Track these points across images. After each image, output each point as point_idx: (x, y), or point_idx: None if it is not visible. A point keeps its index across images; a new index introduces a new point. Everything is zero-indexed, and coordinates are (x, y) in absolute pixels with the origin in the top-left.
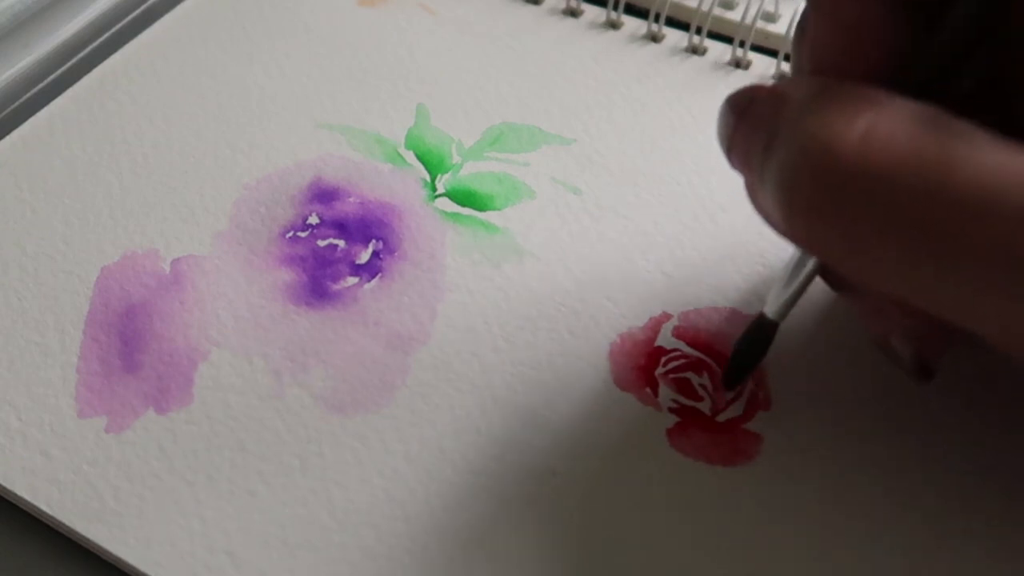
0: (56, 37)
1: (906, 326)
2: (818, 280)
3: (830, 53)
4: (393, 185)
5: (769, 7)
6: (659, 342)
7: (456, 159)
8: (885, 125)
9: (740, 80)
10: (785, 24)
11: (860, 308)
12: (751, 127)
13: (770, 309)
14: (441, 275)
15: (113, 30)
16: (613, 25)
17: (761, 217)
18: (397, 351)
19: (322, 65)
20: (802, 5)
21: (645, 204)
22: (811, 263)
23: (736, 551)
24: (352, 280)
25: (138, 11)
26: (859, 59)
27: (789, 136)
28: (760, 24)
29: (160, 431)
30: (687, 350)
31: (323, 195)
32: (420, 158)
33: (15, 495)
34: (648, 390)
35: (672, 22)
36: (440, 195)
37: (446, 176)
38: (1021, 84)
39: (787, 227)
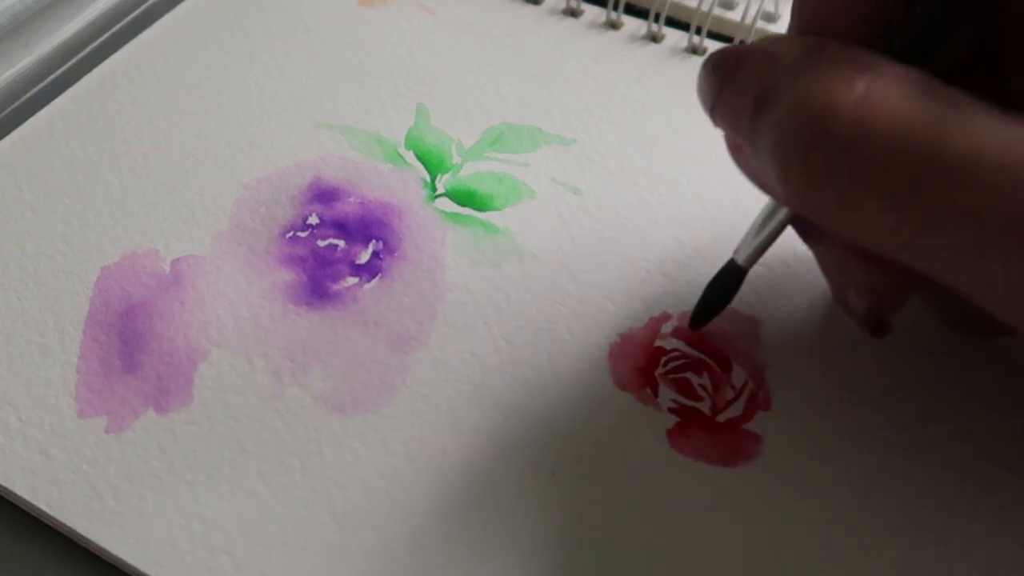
0: (56, 37)
1: (864, 282)
2: (812, 279)
3: (818, 11)
4: (393, 185)
5: (769, 7)
6: (659, 342)
7: (456, 159)
8: (882, 88)
9: None
10: (785, 24)
11: (824, 260)
12: (741, 86)
13: (740, 256)
14: (441, 275)
15: (113, 30)
16: (613, 25)
17: (746, 175)
18: (397, 351)
19: (322, 65)
20: None
21: (645, 204)
22: (782, 213)
23: (736, 551)
24: (352, 280)
25: (138, 11)
26: (846, 18)
27: (786, 96)
28: (760, 24)
29: (160, 431)
30: (687, 350)
31: (323, 195)
32: (420, 158)
33: (15, 495)
34: (648, 390)
35: (672, 22)
36: (440, 195)
37: (446, 176)
38: (1012, 56)
39: (781, 186)
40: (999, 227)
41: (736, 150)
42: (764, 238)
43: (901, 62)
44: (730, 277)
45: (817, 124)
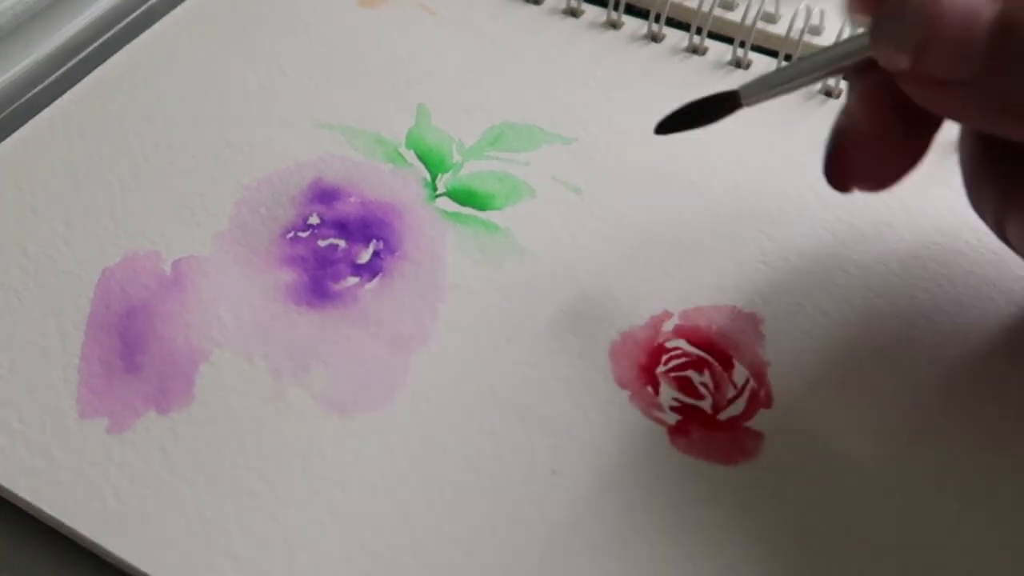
0: (57, 38)
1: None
2: (814, 277)
3: None
4: (394, 185)
5: (769, 8)
6: (660, 340)
7: (456, 158)
8: None
9: (741, 80)
10: (785, 25)
11: (856, 94)
12: (967, 28)
13: (747, 90)
14: (442, 275)
15: (114, 31)
16: (613, 25)
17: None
18: (398, 351)
19: (322, 65)
20: None
21: (645, 203)
22: (812, 70)
23: (737, 549)
24: (353, 280)
25: (138, 11)
26: None
27: None
28: (760, 25)
29: (161, 432)
30: (688, 348)
31: (324, 195)
32: (421, 158)
33: (16, 496)
34: (649, 389)
35: (672, 22)
36: (441, 195)
37: (447, 176)
38: None
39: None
40: None
41: (942, 87)
42: (779, 85)
43: None
44: (724, 101)
45: None
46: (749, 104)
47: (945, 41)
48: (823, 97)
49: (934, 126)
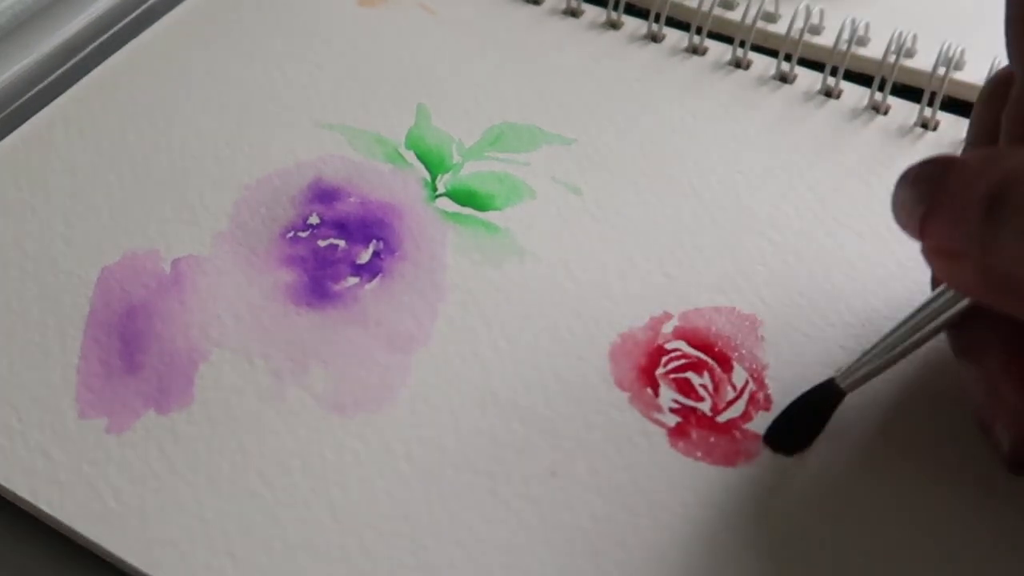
0: (56, 37)
1: (1018, 410)
2: (814, 279)
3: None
4: (393, 185)
5: (769, 7)
6: (659, 342)
7: (456, 159)
8: None
9: (741, 80)
10: (785, 24)
11: (975, 381)
12: (962, 189)
13: (843, 377)
14: (442, 275)
15: (113, 30)
16: (613, 25)
17: (953, 284)
18: (398, 351)
19: (322, 65)
20: (997, 63)
21: (645, 204)
22: (910, 340)
23: (736, 551)
24: (353, 280)
25: (138, 11)
26: None
27: None
28: (760, 24)
29: (161, 432)
30: (688, 350)
31: (323, 195)
32: (420, 158)
33: (16, 496)
34: (649, 390)
35: (672, 22)
36: (440, 195)
37: (446, 176)
38: None
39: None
40: None
41: (950, 258)
42: (878, 364)
43: None
44: (824, 396)
45: None
46: (852, 389)
47: (943, 210)
48: (823, 98)
49: None
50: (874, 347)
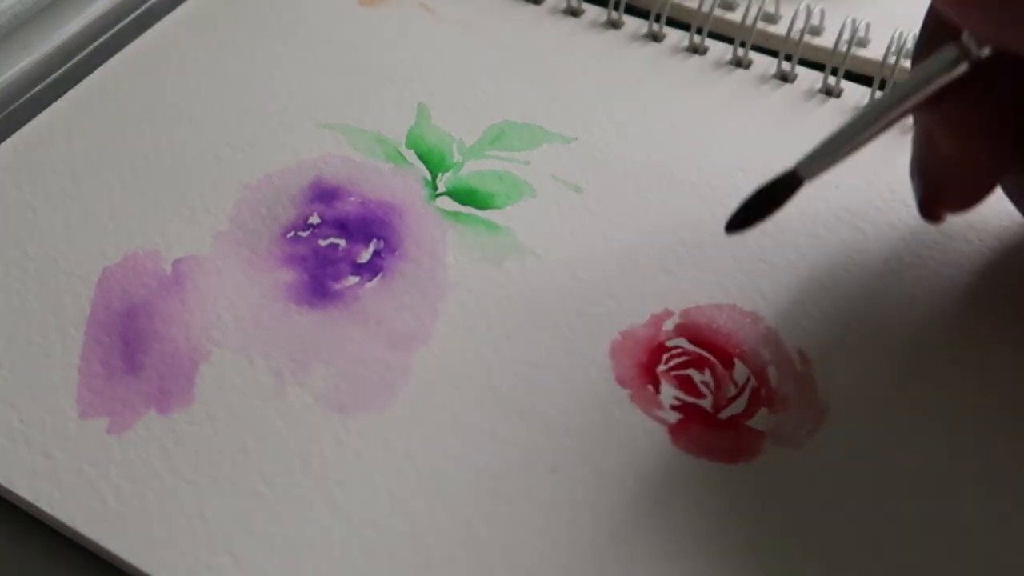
0: (56, 38)
1: (945, 156)
2: (815, 276)
3: None
4: (394, 184)
5: (769, 8)
6: (661, 339)
7: (457, 158)
8: None
9: (741, 79)
10: (785, 24)
11: (923, 128)
12: None
13: (804, 165)
14: (442, 274)
15: (113, 31)
16: (614, 25)
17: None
18: (398, 350)
19: (322, 65)
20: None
21: (646, 202)
22: (866, 132)
23: (738, 549)
24: (353, 279)
25: (138, 12)
26: None
27: None
28: (760, 25)
29: (162, 432)
30: (689, 347)
31: (324, 195)
32: (421, 157)
33: (16, 496)
34: (650, 387)
35: (673, 22)
36: (441, 194)
37: (447, 175)
38: None
39: None
40: None
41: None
42: (834, 152)
43: None
44: (785, 184)
45: None
46: (811, 177)
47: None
48: (823, 96)
49: (1019, 132)
50: (836, 133)
